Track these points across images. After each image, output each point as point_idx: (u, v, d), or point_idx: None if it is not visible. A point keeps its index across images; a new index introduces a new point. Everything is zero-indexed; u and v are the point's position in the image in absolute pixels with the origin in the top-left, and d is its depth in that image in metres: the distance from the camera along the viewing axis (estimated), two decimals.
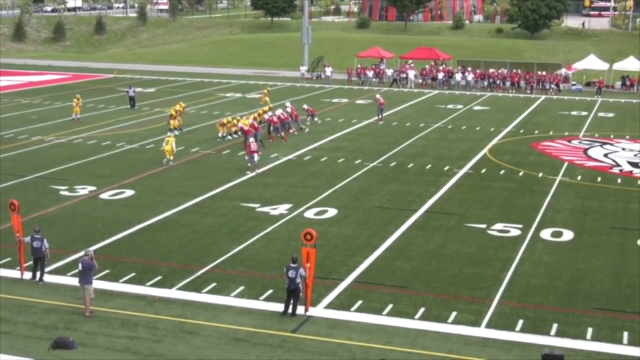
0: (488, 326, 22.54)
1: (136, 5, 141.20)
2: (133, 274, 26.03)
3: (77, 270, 23.43)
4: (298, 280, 22.65)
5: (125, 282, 25.43)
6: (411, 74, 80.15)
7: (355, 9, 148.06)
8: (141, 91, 71.73)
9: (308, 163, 42.93)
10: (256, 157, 40.21)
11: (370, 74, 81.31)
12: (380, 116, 57.33)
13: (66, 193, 36.12)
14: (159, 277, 25.80)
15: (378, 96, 58.71)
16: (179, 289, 24.93)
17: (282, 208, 34.01)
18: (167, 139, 42.64)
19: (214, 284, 25.27)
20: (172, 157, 41.92)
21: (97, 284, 23.97)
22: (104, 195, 35.85)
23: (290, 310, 22.90)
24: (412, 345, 21.30)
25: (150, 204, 34.56)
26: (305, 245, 22.74)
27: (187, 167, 41.73)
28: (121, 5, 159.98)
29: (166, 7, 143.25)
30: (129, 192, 36.40)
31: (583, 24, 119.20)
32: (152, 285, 25.17)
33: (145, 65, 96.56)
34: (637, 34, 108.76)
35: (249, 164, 40.29)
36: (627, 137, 52.66)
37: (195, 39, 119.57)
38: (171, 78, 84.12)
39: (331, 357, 20.58)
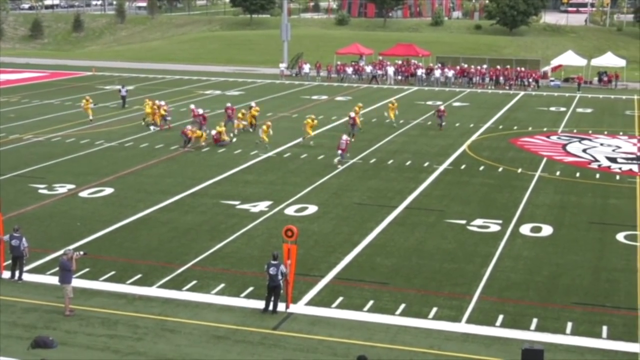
0: (468, 321, 22.63)
1: (114, 2, 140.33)
2: (113, 273, 25.93)
3: (56, 269, 23.33)
4: (279, 277, 22.64)
5: (105, 280, 25.33)
6: (390, 70, 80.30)
7: (335, 6, 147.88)
8: (120, 89, 71.38)
9: (288, 160, 42.92)
10: (341, 154, 41.63)
11: (349, 70, 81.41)
12: (441, 125, 52.79)
13: (45, 191, 35.93)
14: (139, 275, 25.72)
15: (442, 107, 55.08)
16: (159, 287, 24.87)
17: (263, 205, 33.98)
18: (263, 128, 45.60)
19: (194, 282, 25.23)
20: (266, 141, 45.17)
21: (77, 282, 23.87)
22: (83, 194, 35.68)
23: (271, 308, 22.90)
24: (392, 341, 21.36)
25: (130, 202, 34.43)
26: (286, 242, 22.74)
27: (166, 164, 41.61)
28: (99, 2, 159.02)
29: (144, 4, 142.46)
30: (108, 190, 36.25)
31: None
32: (132, 284, 25.09)
33: (124, 63, 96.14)
34: (614, 30, 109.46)
35: (343, 159, 41.65)
36: (605, 132, 52.99)
37: (174, 37, 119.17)
38: (150, 76, 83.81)
39: (312, 353, 20.59)
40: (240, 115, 50.92)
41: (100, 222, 31.30)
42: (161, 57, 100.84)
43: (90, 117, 53.87)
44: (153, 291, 24.53)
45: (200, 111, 50.29)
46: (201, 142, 45.41)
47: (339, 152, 41.51)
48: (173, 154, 43.84)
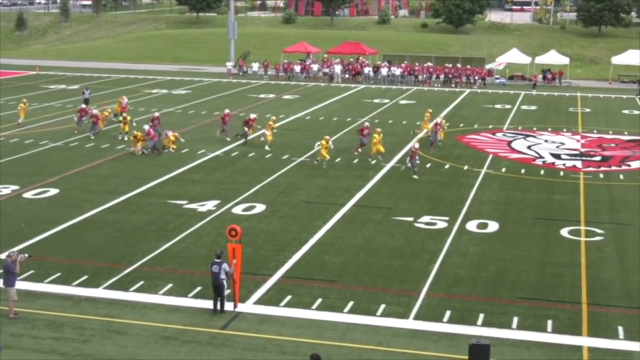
0: (416, 318, 22.78)
1: (58, 0, 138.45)
2: (58, 274, 25.61)
3: (0, 272, 22.97)
4: (222, 275, 22.50)
5: (50, 282, 25.01)
6: (337, 68, 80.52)
7: (281, 4, 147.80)
8: (64, 88, 70.72)
9: (236, 159, 42.79)
10: (409, 162, 39.61)
11: (297, 68, 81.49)
12: (434, 141, 46.42)
13: None
14: (85, 277, 25.43)
15: (439, 120, 48.40)
16: (105, 288, 24.63)
17: (210, 204, 33.83)
18: (322, 143, 41.07)
19: (141, 282, 25.02)
20: (326, 158, 40.75)
21: (22, 284, 23.58)
22: (28, 195, 35.17)
23: (218, 307, 22.81)
24: (341, 338, 21.41)
25: (76, 202, 34.04)
26: (231, 242, 22.65)
27: (112, 164, 41.21)
28: (43, 0, 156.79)
29: (89, 2, 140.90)
30: (53, 191, 35.79)
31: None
32: (78, 285, 24.80)
33: (69, 62, 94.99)
34: (558, 29, 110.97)
35: (411, 167, 39.35)
36: (549, 129, 53.72)
37: (119, 35, 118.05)
38: (95, 75, 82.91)
39: (261, 352, 20.56)
40: (271, 122, 46.39)
41: (46, 223, 30.89)
42: (107, 56, 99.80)
43: (20, 121, 51.75)
44: (100, 292, 24.28)
45: (157, 114, 49.29)
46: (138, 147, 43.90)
47: (408, 159, 39.94)
48: (119, 154, 43.41)
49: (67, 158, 42.45)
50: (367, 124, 46.14)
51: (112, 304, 23.45)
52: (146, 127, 44.75)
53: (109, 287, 24.65)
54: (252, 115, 48.23)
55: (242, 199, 34.91)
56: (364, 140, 43.84)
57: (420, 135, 48.60)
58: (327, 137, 42.10)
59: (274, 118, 48.36)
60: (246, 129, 46.52)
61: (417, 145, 40.31)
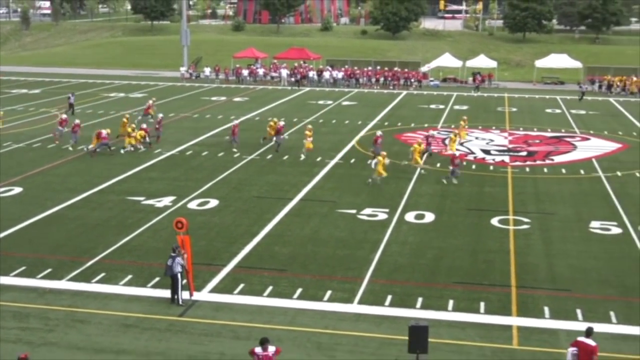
0: (360, 302, 22.93)
1: (19, 9, 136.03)
2: (23, 268, 25.26)
3: None
4: (175, 268, 22.28)
5: (16, 275, 24.65)
6: (284, 72, 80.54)
7: (231, 13, 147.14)
8: (26, 92, 69.59)
9: (190, 157, 42.55)
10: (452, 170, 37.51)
11: (245, 72, 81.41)
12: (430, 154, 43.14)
13: None
14: (49, 270, 25.13)
15: (432, 132, 48.28)
16: (69, 280, 24.36)
17: (167, 200, 33.62)
18: (379, 159, 37.28)
19: (103, 274, 24.80)
20: (383, 175, 36.87)
21: None
22: None
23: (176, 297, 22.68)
24: (291, 323, 21.48)
25: (39, 200, 33.56)
26: (179, 234, 22.54)
27: (73, 164, 40.69)
28: (4, 11, 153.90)
29: (49, 11, 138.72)
30: (16, 190, 35.24)
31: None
32: (43, 278, 24.49)
33: (30, 68, 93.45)
34: (486, 35, 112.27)
35: (453, 175, 37.36)
36: (480, 127, 54.32)
37: (78, 42, 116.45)
38: (56, 79, 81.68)
39: (216, 337, 20.54)
40: (307, 131, 44.33)
41: (10, 220, 30.40)
42: (66, 62, 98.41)
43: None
44: (63, 284, 24.01)
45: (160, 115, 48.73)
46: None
47: (450, 167, 37.81)
48: (79, 154, 42.87)
49: (29, 158, 41.80)
50: (379, 132, 43.40)
51: (75, 295, 23.21)
52: (103, 131, 43.80)
53: (72, 279, 24.40)
54: (281, 123, 46.38)
55: (197, 194, 34.75)
56: (378, 149, 40.80)
57: (459, 141, 46.09)
58: (385, 153, 38.85)
59: (309, 127, 46.18)
60: (281, 136, 44.68)
61: (456, 153, 38.75)
